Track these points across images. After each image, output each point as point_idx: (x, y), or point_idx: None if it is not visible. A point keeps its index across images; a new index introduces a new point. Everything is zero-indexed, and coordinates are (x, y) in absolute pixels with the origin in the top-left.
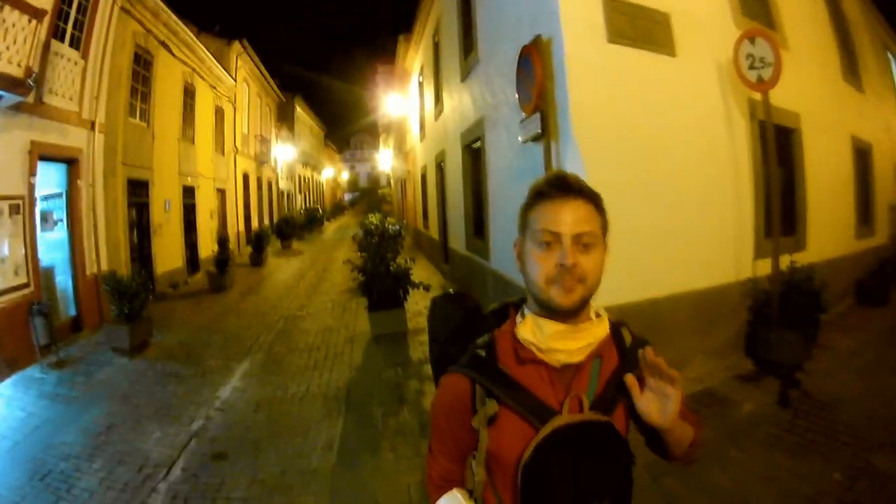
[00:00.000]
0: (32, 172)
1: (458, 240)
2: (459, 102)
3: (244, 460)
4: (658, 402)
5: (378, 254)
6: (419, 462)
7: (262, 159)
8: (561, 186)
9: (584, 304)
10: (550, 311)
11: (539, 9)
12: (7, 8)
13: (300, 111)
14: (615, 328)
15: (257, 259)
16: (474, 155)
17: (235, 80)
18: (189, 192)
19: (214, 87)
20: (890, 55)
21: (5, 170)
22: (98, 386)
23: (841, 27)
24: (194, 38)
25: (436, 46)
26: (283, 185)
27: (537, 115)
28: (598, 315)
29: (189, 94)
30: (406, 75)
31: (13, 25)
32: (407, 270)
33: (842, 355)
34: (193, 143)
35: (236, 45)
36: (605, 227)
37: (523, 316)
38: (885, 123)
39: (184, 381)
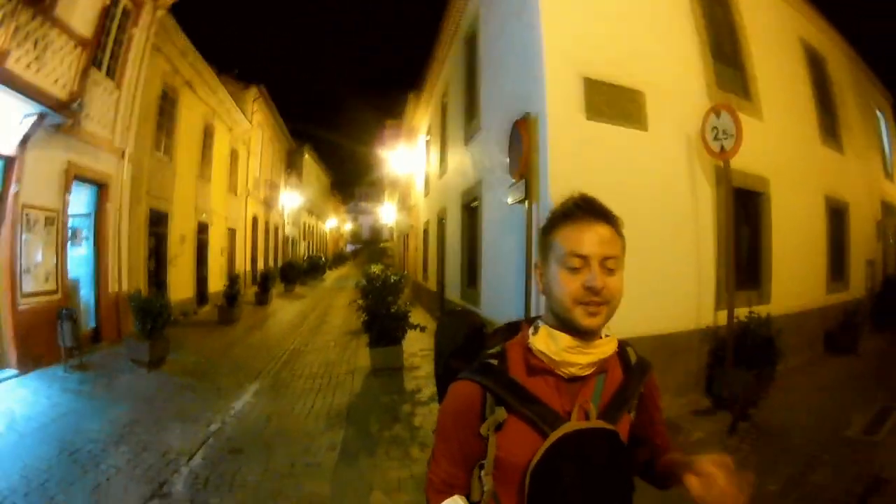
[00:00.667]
0: (67, 190)
1: (454, 291)
2: (461, 164)
3: (258, 455)
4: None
5: (381, 296)
6: (409, 463)
7: (270, 204)
8: (588, 209)
9: (604, 325)
10: (572, 331)
11: (530, 88)
12: (56, 32)
13: (308, 159)
14: (621, 347)
15: (263, 298)
16: (472, 213)
17: (251, 124)
18: (203, 229)
19: (231, 129)
20: (879, 113)
21: (44, 184)
22: (120, 389)
23: (823, 91)
24: (217, 80)
25: (443, 108)
26: (288, 230)
27: (523, 182)
28: (607, 334)
29: (208, 133)
30: (414, 132)
31: (60, 49)
32: (406, 313)
33: (798, 395)
34: (210, 181)
35: (253, 90)
36: (623, 249)
37: (536, 329)
38: (867, 181)
39: (200, 393)
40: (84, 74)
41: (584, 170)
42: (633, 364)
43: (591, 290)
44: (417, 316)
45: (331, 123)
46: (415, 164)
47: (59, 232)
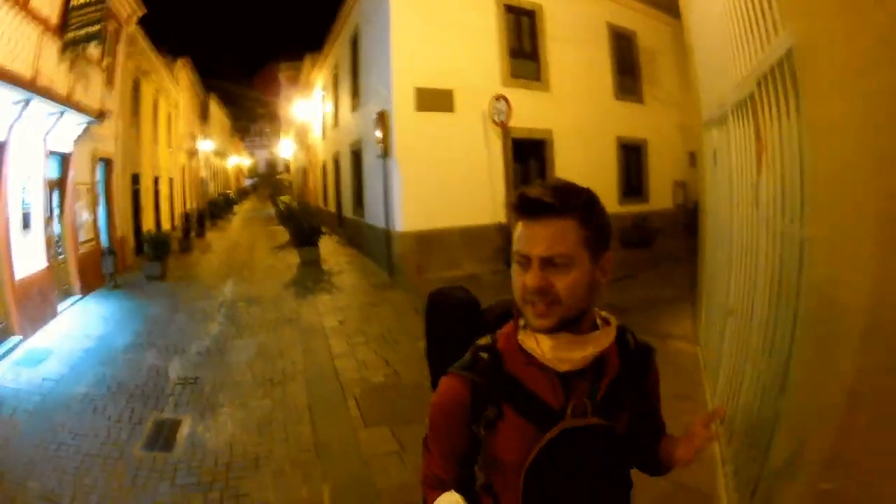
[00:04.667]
0: (94, 168)
1: (348, 209)
2: (350, 123)
3: (253, 303)
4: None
5: (301, 217)
6: (331, 297)
7: (191, 152)
8: (532, 205)
9: (564, 323)
10: (532, 329)
11: (385, 93)
12: (92, 66)
13: (214, 106)
14: (620, 333)
15: (200, 232)
16: (357, 158)
17: (179, 89)
18: (156, 181)
19: (167, 98)
20: None
21: (83, 167)
22: (152, 292)
23: (626, 59)
24: (162, 64)
25: (336, 77)
26: (203, 173)
27: (381, 146)
28: (605, 322)
29: (155, 105)
30: (310, 85)
31: (94, 76)
32: (319, 225)
33: None
34: (157, 143)
35: (181, 62)
36: (589, 240)
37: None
38: (681, 121)
39: (201, 288)
40: (104, 90)
41: (416, 140)
42: (632, 350)
43: (527, 290)
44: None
45: (232, 62)
46: (312, 112)
47: (92, 198)
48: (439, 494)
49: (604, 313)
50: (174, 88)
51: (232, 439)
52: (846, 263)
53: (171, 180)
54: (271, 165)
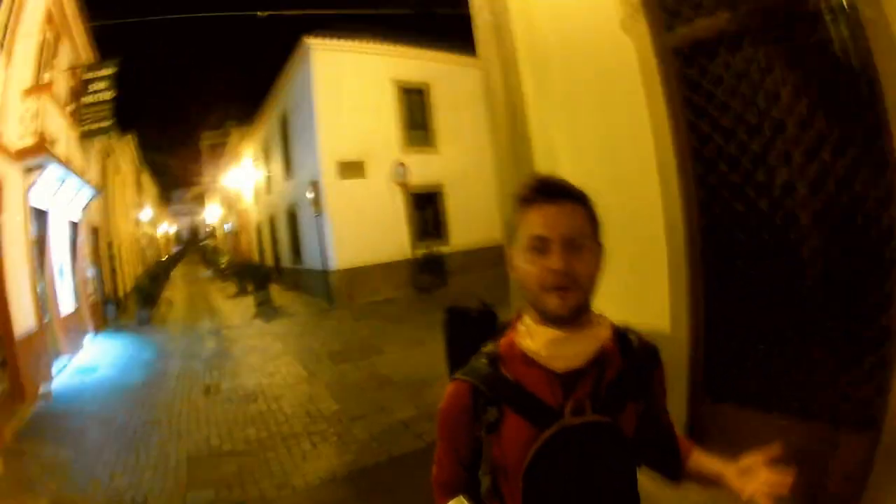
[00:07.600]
0: (89, 235)
1: (286, 260)
2: (284, 189)
3: (232, 329)
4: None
5: (250, 270)
6: (288, 321)
7: (136, 222)
8: (545, 191)
9: (580, 308)
10: (548, 318)
11: (314, 167)
12: (92, 150)
13: (145, 176)
14: (621, 333)
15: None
16: (293, 217)
17: (129, 163)
18: (119, 247)
19: (119, 170)
20: None
21: (84, 234)
22: (148, 331)
23: None
24: (121, 144)
25: (266, 150)
26: (142, 241)
27: (315, 206)
28: (599, 319)
29: (116, 181)
30: (238, 155)
31: (93, 157)
32: (268, 273)
33: (465, 285)
34: (117, 215)
35: (129, 136)
36: (596, 225)
37: (524, 323)
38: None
39: (185, 326)
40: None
41: (341, 200)
42: (635, 349)
43: (553, 273)
44: None
45: (157, 132)
46: (242, 180)
47: (91, 259)
48: (448, 500)
49: (596, 312)
50: (124, 162)
51: (258, 383)
52: None
53: (125, 247)
54: (193, 231)
